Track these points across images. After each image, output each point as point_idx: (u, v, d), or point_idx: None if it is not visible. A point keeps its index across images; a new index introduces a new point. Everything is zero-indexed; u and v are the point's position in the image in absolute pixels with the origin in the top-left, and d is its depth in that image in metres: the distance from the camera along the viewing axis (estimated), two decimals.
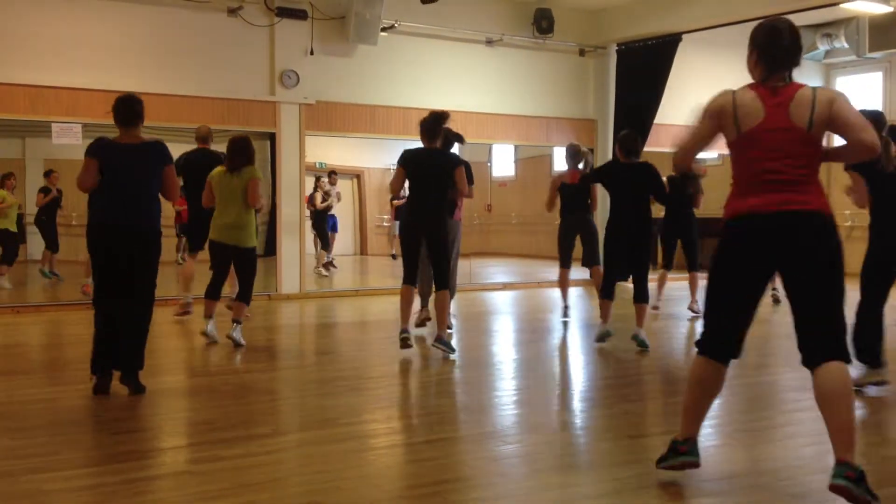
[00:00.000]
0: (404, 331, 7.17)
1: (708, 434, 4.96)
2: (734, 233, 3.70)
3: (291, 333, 9.34)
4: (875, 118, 5.56)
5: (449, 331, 7.58)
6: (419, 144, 7.36)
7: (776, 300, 10.48)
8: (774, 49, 3.64)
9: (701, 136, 3.81)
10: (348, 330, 9.62)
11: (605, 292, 7.64)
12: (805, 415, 5.45)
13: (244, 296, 7.64)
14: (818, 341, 3.58)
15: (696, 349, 3.89)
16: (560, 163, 18.78)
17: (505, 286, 13.76)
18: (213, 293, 7.74)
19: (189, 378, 6.68)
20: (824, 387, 3.52)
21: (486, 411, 5.53)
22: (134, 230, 5.66)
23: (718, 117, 3.69)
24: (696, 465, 3.93)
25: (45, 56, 10.18)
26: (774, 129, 3.57)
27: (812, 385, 3.59)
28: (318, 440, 4.73)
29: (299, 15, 11.56)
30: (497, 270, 16.42)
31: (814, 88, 3.60)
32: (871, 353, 5.75)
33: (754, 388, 6.12)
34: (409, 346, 7.16)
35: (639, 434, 4.89)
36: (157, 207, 5.81)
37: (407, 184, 7.28)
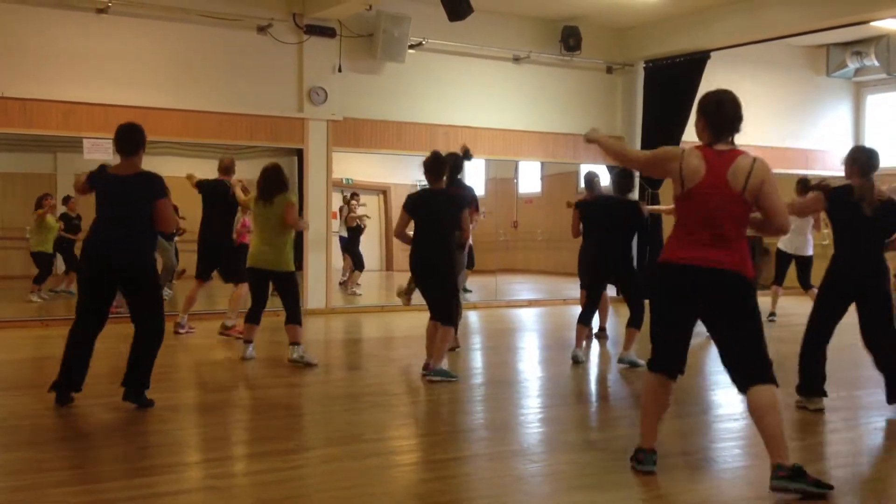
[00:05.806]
0: (428, 365, 7.04)
1: (736, 455, 4.91)
2: (667, 276, 4.27)
3: (316, 349, 9.33)
4: (867, 158, 5.58)
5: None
6: None
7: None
8: (720, 118, 4.25)
9: (650, 165, 4.63)
10: (373, 346, 9.61)
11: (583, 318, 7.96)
12: (837, 436, 5.38)
13: (294, 318, 7.56)
14: (745, 371, 4.16)
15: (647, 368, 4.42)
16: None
17: (530, 303, 13.72)
18: (253, 318, 7.72)
19: (213, 393, 6.70)
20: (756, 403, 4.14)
21: (511, 429, 5.50)
22: (120, 264, 5.62)
23: (667, 164, 4.30)
24: (653, 472, 4.31)
25: (77, 72, 10.32)
26: (713, 188, 4.12)
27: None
28: (342, 456, 4.72)
29: (328, 33, 11.64)
30: (522, 287, 16.36)
31: (753, 159, 4.16)
32: (809, 386, 5.84)
33: (786, 410, 6.01)
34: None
35: (662, 454, 4.83)
36: (147, 240, 5.75)
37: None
